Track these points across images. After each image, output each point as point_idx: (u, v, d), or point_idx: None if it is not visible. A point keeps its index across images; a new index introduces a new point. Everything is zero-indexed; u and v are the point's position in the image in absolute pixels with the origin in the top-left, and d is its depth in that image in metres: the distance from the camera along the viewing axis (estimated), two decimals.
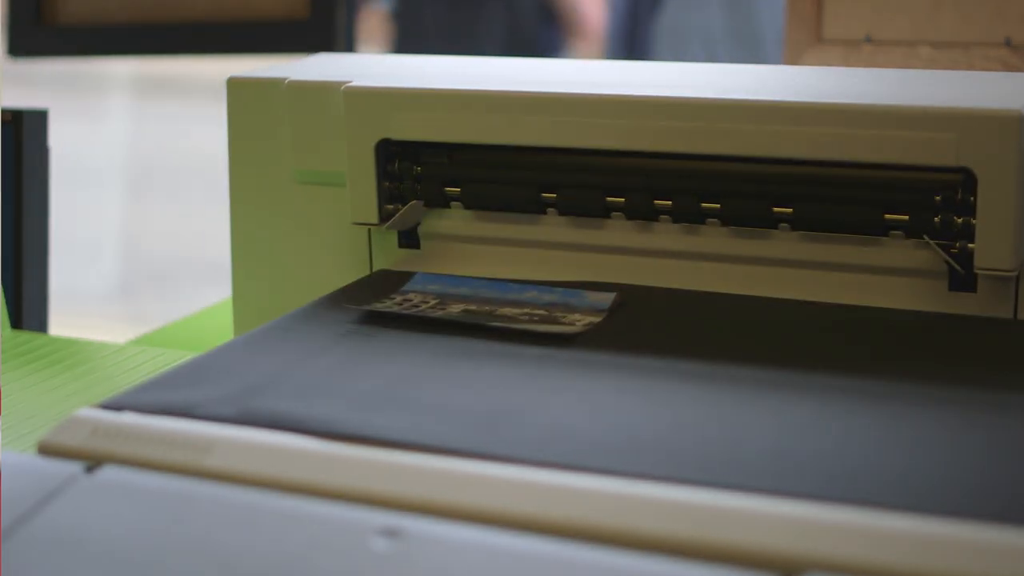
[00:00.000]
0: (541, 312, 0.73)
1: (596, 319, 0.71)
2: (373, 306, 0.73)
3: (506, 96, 0.78)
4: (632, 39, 2.77)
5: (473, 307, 0.73)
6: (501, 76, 0.85)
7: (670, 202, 0.77)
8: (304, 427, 0.58)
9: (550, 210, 0.80)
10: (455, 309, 0.73)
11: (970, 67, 1.08)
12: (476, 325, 0.71)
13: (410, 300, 0.75)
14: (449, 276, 0.79)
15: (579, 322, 0.71)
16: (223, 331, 0.96)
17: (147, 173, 4.21)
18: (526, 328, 0.70)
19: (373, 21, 2.89)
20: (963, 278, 0.72)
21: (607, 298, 0.74)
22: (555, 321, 0.71)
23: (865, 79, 0.80)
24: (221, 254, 0.95)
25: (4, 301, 0.93)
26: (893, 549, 0.48)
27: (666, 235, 0.78)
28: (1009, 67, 1.07)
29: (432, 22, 2.73)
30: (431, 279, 0.78)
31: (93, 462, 0.57)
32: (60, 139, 1.05)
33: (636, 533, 0.50)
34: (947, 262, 0.72)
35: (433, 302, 0.75)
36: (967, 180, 0.71)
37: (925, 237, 0.72)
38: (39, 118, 0.99)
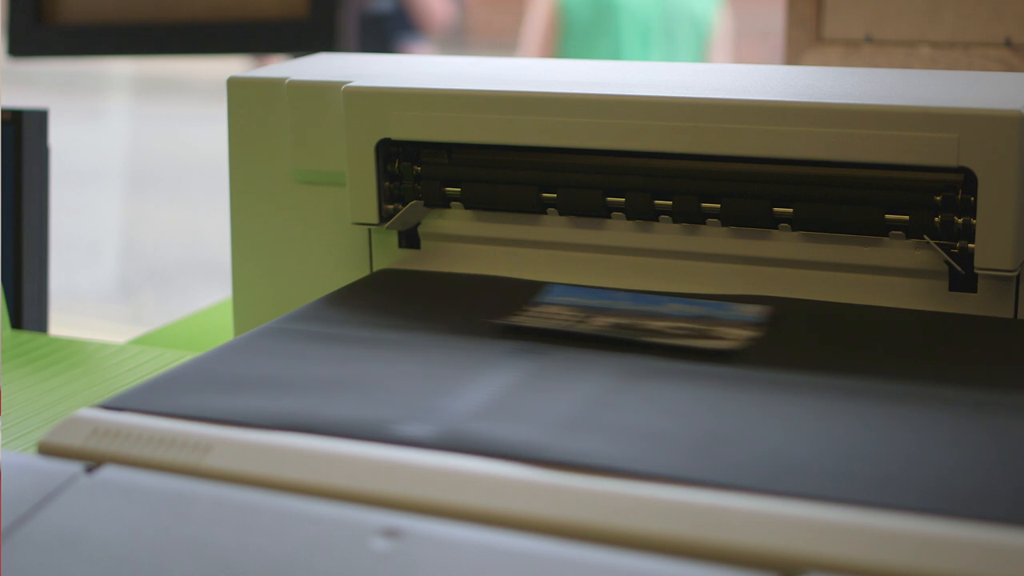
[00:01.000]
0: (692, 326, 0.70)
1: (753, 333, 0.69)
2: (511, 320, 0.71)
3: (506, 96, 0.78)
4: None
5: (624, 321, 0.70)
6: (501, 76, 0.85)
7: (670, 202, 0.77)
8: (304, 427, 0.58)
9: (550, 210, 0.80)
10: (601, 323, 0.70)
11: (970, 67, 1.08)
12: (629, 341, 0.68)
13: (549, 313, 0.72)
14: (582, 287, 0.76)
15: (734, 336, 0.68)
16: (223, 331, 0.97)
17: (147, 173, 4.21)
18: (685, 344, 0.67)
19: None
20: (963, 278, 0.72)
21: (758, 311, 0.71)
22: (709, 336, 0.68)
23: (865, 79, 0.80)
24: (220, 254, 0.95)
25: (4, 301, 0.93)
26: (893, 549, 0.48)
27: (666, 235, 0.78)
28: (1009, 67, 1.07)
29: None
30: (564, 291, 0.75)
31: (93, 462, 0.57)
32: (60, 139, 1.05)
33: (636, 533, 0.50)
34: (947, 262, 0.72)
35: (575, 315, 0.72)
36: (967, 180, 0.71)
37: (925, 237, 0.72)
38: (39, 118, 0.99)
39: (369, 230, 0.84)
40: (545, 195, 0.80)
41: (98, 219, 3.77)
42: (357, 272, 0.85)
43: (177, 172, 4.34)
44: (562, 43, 2.95)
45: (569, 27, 2.94)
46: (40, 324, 1.00)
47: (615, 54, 2.93)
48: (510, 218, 0.81)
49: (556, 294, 0.75)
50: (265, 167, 0.86)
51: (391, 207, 0.82)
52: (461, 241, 0.83)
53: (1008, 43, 1.08)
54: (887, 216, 0.73)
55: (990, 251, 0.70)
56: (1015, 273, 0.71)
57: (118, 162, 4.09)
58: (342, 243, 0.85)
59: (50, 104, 1.04)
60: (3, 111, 0.98)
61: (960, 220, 0.71)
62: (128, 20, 1.32)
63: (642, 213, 0.78)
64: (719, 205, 0.76)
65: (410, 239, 0.84)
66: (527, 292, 0.78)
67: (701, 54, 2.99)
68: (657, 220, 0.78)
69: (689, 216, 0.77)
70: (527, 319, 0.71)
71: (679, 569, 0.49)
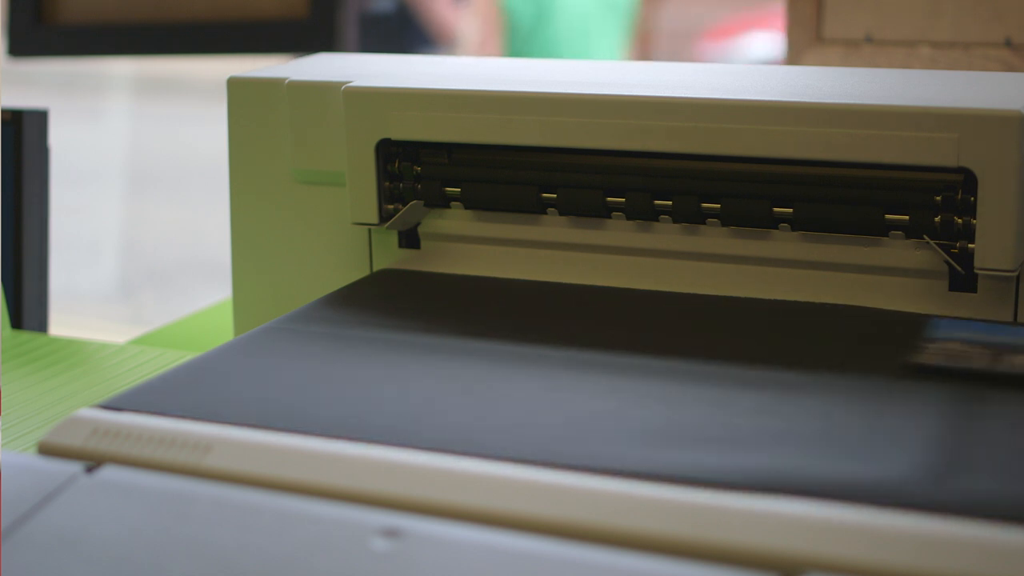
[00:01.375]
0: None
1: None
2: (917, 359, 0.65)
3: (506, 96, 0.78)
4: None
5: None
6: (501, 76, 0.85)
7: (670, 202, 0.77)
8: (305, 427, 0.58)
9: (550, 210, 0.80)
10: (1020, 361, 0.64)
11: (970, 67, 1.08)
12: None
13: (953, 350, 0.66)
14: (966, 321, 0.71)
15: None
16: (223, 331, 0.96)
17: (147, 173, 4.21)
18: None
19: None
20: (963, 278, 0.72)
21: None
22: None
23: (865, 79, 0.80)
24: (220, 254, 0.95)
25: (4, 301, 0.93)
26: (893, 549, 0.48)
27: (666, 235, 0.78)
28: (1009, 67, 1.07)
29: None
30: (955, 325, 0.69)
31: (93, 462, 0.57)
32: (60, 139, 1.05)
33: (636, 533, 0.50)
34: (947, 262, 0.72)
35: (984, 352, 0.66)
36: (967, 180, 0.71)
37: (925, 237, 0.72)
38: (39, 118, 0.99)
39: (369, 230, 0.84)
40: (545, 195, 0.80)
41: (98, 219, 3.77)
42: (357, 272, 0.85)
43: (177, 172, 4.34)
44: (506, 41, 3.07)
45: (513, 25, 3.06)
46: (40, 324, 1.00)
47: (557, 50, 3.06)
48: (510, 218, 0.81)
49: (946, 328, 0.69)
50: (265, 167, 0.86)
51: (391, 207, 0.82)
52: (461, 241, 0.83)
53: (1008, 43, 1.08)
54: (887, 216, 0.73)
55: (990, 251, 0.70)
56: (1015, 273, 0.71)
57: (118, 162, 4.09)
58: (342, 243, 0.85)
59: (50, 104, 1.04)
60: (3, 111, 0.98)
61: (960, 220, 0.71)
62: (128, 20, 1.32)
63: (642, 213, 0.78)
64: (719, 205, 0.76)
65: (410, 239, 0.84)
66: (526, 293, 0.78)
67: (624, 45, 3.14)
68: (657, 220, 0.78)
69: (689, 216, 0.77)
70: (937, 358, 0.65)
71: (679, 569, 0.49)
